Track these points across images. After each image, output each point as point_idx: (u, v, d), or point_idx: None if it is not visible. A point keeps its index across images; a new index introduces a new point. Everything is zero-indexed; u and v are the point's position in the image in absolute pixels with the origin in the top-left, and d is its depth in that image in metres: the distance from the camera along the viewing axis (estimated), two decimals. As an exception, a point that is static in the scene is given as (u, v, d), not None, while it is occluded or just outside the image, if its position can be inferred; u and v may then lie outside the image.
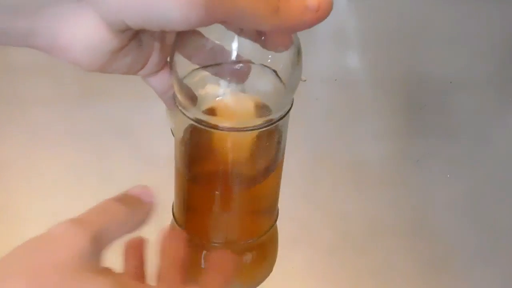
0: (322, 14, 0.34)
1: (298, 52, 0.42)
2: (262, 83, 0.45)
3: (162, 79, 0.45)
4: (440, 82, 0.93)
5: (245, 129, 0.44)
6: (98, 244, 0.40)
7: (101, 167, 0.84)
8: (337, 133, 0.88)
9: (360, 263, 0.75)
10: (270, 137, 0.48)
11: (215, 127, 0.43)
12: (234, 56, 0.40)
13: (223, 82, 0.43)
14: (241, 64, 0.41)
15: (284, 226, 0.79)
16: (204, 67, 0.43)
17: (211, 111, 0.44)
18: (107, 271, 0.39)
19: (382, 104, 0.91)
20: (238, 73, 0.42)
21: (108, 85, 0.91)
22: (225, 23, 0.35)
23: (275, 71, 0.43)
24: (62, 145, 0.86)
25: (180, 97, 0.44)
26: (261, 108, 0.45)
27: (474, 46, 0.98)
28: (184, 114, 0.44)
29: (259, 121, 0.44)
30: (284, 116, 0.47)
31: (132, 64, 0.41)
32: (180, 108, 0.45)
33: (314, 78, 0.94)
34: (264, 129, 0.45)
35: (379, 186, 0.82)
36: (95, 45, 0.36)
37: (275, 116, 0.46)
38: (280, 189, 0.83)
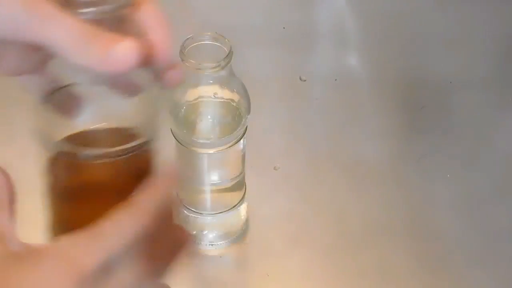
0: (118, 65, 0.34)
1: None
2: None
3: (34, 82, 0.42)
4: (440, 82, 0.93)
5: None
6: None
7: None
8: (337, 133, 0.88)
9: (360, 263, 0.75)
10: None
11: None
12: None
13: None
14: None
15: (284, 226, 0.79)
16: None
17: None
18: None
19: (382, 104, 0.91)
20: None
21: (108, 85, 0.91)
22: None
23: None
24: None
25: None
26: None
27: (474, 46, 0.98)
28: None
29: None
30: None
31: None
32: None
33: (314, 78, 0.94)
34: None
35: (378, 186, 0.82)
36: None
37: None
38: (280, 189, 0.83)
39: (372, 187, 0.82)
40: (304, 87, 0.94)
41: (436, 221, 0.79)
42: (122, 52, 0.34)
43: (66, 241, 0.36)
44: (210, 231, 0.76)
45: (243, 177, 0.75)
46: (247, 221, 0.78)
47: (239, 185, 0.74)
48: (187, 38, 0.65)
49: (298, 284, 0.74)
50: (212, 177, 0.72)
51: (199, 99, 0.68)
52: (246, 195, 0.77)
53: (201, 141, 0.68)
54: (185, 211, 0.75)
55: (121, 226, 0.36)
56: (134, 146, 0.42)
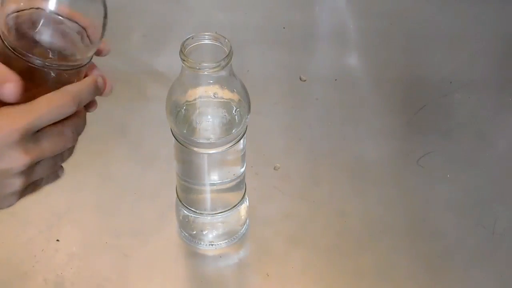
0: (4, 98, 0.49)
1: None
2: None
3: None
4: (440, 82, 0.93)
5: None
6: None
7: (101, 167, 0.84)
8: (337, 133, 0.88)
9: (360, 263, 0.75)
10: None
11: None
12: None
13: None
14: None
15: (284, 225, 0.79)
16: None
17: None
18: None
19: (382, 104, 0.91)
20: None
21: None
22: None
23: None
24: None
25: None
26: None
27: (474, 46, 0.98)
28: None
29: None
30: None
31: None
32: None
33: (314, 78, 0.94)
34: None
35: (379, 186, 0.82)
36: None
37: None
38: (280, 189, 0.83)
39: (372, 187, 0.82)
40: (304, 87, 0.94)
41: (436, 220, 0.79)
42: (6, 87, 0.49)
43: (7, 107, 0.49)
44: (210, 231, 0.76)
45: (243, 177, 0.75)
46: (247, 221, 0.78)
47: (239, 185, 0.74)
48: (187, 38, 0.65)
49: (298, 284, 0.74)
50: (212, 177, 0.72)
51: (199, 99, 0.68)
52: (246, 195, 0.77)
53: (201, 141, 0.68)
54: (185, 211, 0.75)
55: (50, 100, 0.50)
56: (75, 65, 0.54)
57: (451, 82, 0.93)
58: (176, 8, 1.01)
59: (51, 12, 0.52)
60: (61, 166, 0.55)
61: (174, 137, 0.69)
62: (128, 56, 0.94)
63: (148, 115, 0.89)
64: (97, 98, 0.61)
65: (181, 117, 0.68)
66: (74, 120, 0.53)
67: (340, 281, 0.74)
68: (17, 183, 0.50)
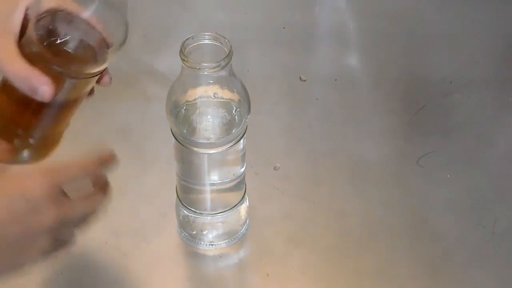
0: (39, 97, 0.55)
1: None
2: None
3: None
4: (440, 82, 0.93)
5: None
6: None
7: (101, 167, 0.84)
8: (337, 133, 0.88)
9: (360, 263, 0.75)
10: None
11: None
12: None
13: None
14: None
15: (284, 225, 0.79)
16: None
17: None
18: None
19: (382, 104, 0.91)
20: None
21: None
22: None
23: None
24: (61, 145, 0.86)
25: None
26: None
27: (474, 46, 0.98)
28: None
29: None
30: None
31: None
32: None
33: (314, 78, 0.94)
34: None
35: (379, 186, 0.82)
36: None
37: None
38: (280, 189, 0.83)
39: (372, 187, 0.82)
40: (304, 87, 0.94)
41: (436, 221, 0.79)
42: (43, 89, 0.54)
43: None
44: (210, 231, 0.76)
45: (243, 177, 0.75)
46: (247, 221, 0.78)
47: (239, 185, 0.74)
48: (187, 38, 0.65)
49: (298, 284, 0.74)
50: (212, 177, 0.72)
51: (199, 99, 0.68)
52: (246, 195, 0.77)
53: (201, 141, 0.68)
54: (185, 211, 0.75)
55: (83, 160, 0.55)
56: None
57: (451, 82, 0.93)
58: (176, 8, 1.01)
59: (82, 20, 0.53)
60: (74, 234, 0.56)
61: (174, 137, 0.69)
62: (128, 56, 0.94)
63: (148, 115, 0.89)
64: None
65: (181, 117, 0.68)
66: (106, 185, 0.58)
67: (340, 281, 0.74)
68: (45, 239, 0.51)
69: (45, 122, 0.58)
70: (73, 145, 0.86)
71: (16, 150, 0.58)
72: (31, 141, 0.58)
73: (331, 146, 0.87)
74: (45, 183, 0.51)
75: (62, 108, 0.58)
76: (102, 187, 0.57)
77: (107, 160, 0.57)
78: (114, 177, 0.84)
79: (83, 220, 0.55)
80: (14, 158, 0.59)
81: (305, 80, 0.94)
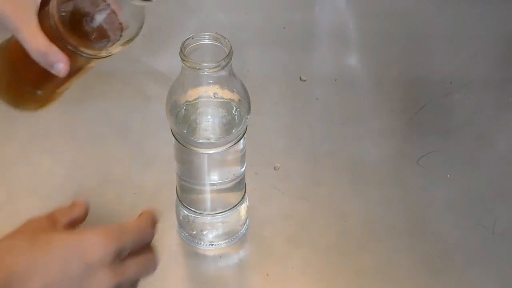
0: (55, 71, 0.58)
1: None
2: None
3: None
4: (440, 82, 0.93)
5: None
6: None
7: (101, 167, 0.84)
8: (337, 133, 0.88)
9: (360, 263, 0.75)
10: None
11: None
12: None
13: None
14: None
15: (284, 225, 0.79)
16: None
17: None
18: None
19: (382, 104, 0.91)
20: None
21: (108, 85, 0.91)
22: None
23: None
24: (61, 145, 0.86)
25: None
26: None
27: (474, 46, 0.98)
28: None
29: None
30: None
31: None
32: None
33: (314, 78, 0.94)
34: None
35: (379, 186, 0.82)
36: None
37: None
38: (280, 189, 0.83)
39: (372, 187, 0.82)
40: (304, 87, 0.94)
41: (436, 220, 0.79)
42: (59, 66, 0.57)
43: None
44: (210, 231, 0.76)
45: (243, 177, 0.75)
46: (247, 221, 0.78)
47: (239, 185, 0.74)
48: (187, 38, 0.65)
49: (298, 284, 0.74)
50: (212, 177, 0.72)
51: (199, 99, 0.68)
52: (246, 195, 0.77)
53: (201, 141, 0.68)
54: (185, 211, 0.75)
55: (138, 224, 0.55)
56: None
57: (451, 82, 0.93)
58: (176, 8, 1.01)
59: (107, 6, 0.56)
60: None
61: (174, 137, 0.69)
62: (128, 56, 0.94)
63: (148, 115, 0.89)
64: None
65: (181, 117, 0.68)
66: (153, 248, 0.57)
67: (340, 281, 0.74)
68: None
69: (52, 84, 0.62)
70: (73, 145, 0.86)
71: (25, 95, 0.63)
72: (39, 92, 0.63)
73: (331, 146, 0.87)
74: (102, 247, 0.50)
75: (69, 77, 0.61)
76: (151, 247, 0.57)
77: (156, 221, 0.57)
78: (114, 177, 0.84)
79: (135, 282, 0.55)
80: (21, 102, 0.64)
81: (305, 80, 0.94)
